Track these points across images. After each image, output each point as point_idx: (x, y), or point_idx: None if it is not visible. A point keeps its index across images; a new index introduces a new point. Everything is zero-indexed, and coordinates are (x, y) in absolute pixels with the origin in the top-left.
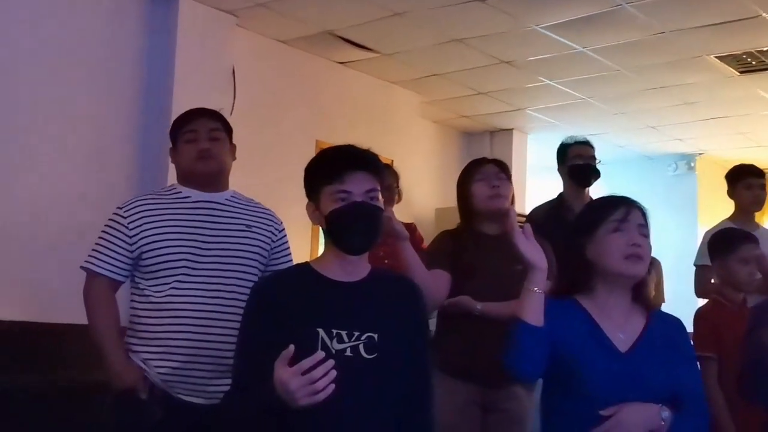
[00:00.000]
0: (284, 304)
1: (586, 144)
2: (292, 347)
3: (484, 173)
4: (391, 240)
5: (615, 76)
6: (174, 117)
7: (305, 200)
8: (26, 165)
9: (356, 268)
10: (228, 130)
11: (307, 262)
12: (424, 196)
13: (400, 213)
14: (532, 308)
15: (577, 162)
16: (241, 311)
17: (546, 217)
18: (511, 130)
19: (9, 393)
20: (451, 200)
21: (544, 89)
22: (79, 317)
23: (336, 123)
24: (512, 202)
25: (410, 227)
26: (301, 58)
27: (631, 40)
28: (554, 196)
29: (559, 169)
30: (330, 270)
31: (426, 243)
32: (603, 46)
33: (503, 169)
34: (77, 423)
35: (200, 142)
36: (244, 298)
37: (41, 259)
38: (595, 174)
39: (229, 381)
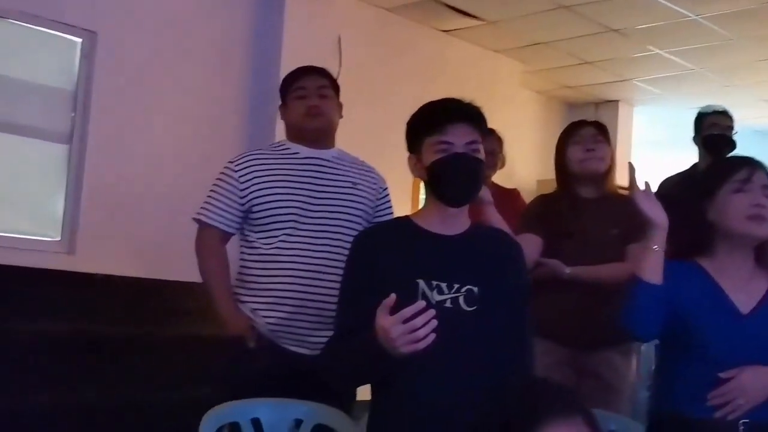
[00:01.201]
0: (384, 255)
1: (724, 114)
2: (393, 295)
3: (580, 136)
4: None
5: (728, 45)
6: None
7: (405, 165)
8: (143, 128)
9: (456, 221)
10: (335, 87)
11: (407, 215)
12: (526, 168)
13: (503, 181)
14: (651, 266)
15: (711, 132)
16: None
17: (677, 187)
18: (617, 101)
19: (126, 343)
20: (553, 172)
21: (653, 59)
22: (188, 275)
23: (439, 91)
24: (612, 165)
25: (513, 193)
26: (406, 26)
27: (747, 8)
28: (687, 167)
29: (694, 138)
30: (430, 223)
31: None
32: (717, 14)
33: (601, 131)
34: (180, 371)
35: (309, 99)
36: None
37: (154, 218)
38: (730, 145)
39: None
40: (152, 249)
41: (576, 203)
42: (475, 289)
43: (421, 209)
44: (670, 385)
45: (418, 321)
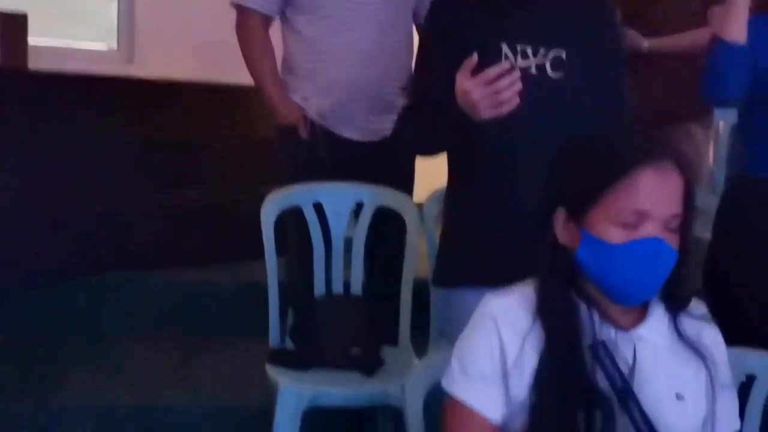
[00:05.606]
0: (464, 18)
1: None
2: (475, 56)
3: None
4: None
5: None
6: None
7: None
8: None
9: None
10: None
11: None
12: None
13: None
14: (735, 24)
15: None
16: (400, 47)
17: None
18: None
19: (190, 142)
20: None
21: None
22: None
23: None
24: None
25: None
26: None
27: None
28: None
29: None
30: None
31: None
32: None
33: None
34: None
35: None
36: (404, 34)
37: (212, 19)
38: None
39: (389, 117)
40: (213, 52)
41: None
42: (563, 53)
43: None
44: (747, 147)
45: (503, 83)
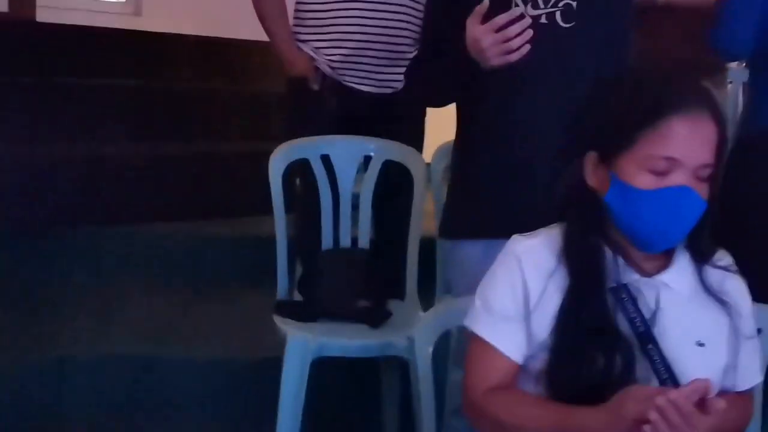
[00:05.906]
0: None
1: None
2: (486, 2)
3: None
4: None
5: None
6: None
7: None
8: None
9: None
10: None
11: None
12: None
13: None
14: None
15: None
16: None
17: None
18: None
19: (194, 96)
20: None
21: None
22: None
23: None
24: None
25: None
26: None
27: None
28: None
29: None
30: None
31: None
32: None
33: None
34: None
35: None
36: None
37: None
38: None
39: (400, 70)
40: (220, 6)
41: None
42: (574, 3)
43: None
44: (755, 101)
45: (512, 30)
